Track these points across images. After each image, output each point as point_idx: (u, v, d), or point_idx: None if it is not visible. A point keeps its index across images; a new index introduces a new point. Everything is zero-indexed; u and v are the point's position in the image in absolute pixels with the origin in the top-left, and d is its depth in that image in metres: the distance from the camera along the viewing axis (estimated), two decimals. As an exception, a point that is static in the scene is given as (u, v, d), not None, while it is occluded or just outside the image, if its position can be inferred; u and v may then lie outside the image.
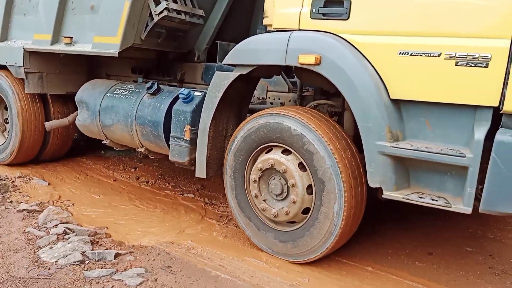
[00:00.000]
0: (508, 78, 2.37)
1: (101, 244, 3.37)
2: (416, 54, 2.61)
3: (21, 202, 4.17)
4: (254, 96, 4.20)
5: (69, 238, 3.37)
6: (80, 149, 6.32)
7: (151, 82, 4.10)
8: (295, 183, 3.04)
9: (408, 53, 2.63)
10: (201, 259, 3.21)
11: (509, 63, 2.36)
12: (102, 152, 6.28)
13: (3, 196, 4.30)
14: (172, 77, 4.80)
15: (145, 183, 5.11)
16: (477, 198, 2.54)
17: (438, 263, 3.38)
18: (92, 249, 3.22)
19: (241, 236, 3.65)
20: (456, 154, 2.51)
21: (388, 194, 2.73)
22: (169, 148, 3.85)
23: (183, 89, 3.83)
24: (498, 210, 2.45)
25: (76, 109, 4.87)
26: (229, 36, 4.57)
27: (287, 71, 3.96)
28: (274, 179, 3.21)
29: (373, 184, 2.77)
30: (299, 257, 3.15)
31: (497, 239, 3.90)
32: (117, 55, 4.00)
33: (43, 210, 3.91)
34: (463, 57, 2.47)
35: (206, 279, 2.91)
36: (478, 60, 2.43)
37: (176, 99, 3.89)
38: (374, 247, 3.58)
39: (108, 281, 2.79)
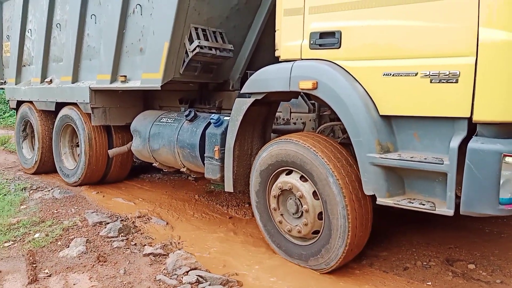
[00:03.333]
0: (475, 91, 2.62)
1: (235, 295, 3.23)
2: (397, 75, 2.93)
3: (145, 245, 4.10)
4: (279, 117, 4.66)
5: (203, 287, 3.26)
6: (191, 184, 6.49)
7: (189, 110, 4.72)
8: (308, 209, 3.42)
9: (390, 74, 2.97)
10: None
11: (475, 78, 2.62)
12: (212, 187, 6.30)
13: (127, 239, 4.25)
14: (212, 105, 5.39)
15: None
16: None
17: None
18: (228, 301, 3.07)
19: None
20: (435, 161, 2.77)
21: (381, 200, 3.03)
22: (204, 167, 4.41)
23: (214, 114, 4.39)
24: (475, 211, 2.67)
25: (135, 137, 5.63)
26: (259, 66, 5.03)
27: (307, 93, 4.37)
28: (291, 199, 3.61)
29: (367, 191, 3.08)
30: (319, 268, 3.46)
31: None
32: (160, 88, 4.67)
33: (168, 253, 3.85)
34: (436, 75, 2.76)
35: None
36: (449, 76, 2.71)
37: (209, 123, 4.46)
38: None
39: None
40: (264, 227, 3.89)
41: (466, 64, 2.65)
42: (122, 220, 4.70)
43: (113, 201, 5.66)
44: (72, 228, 4.52)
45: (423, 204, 2.88)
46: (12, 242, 4.20)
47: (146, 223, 4.74)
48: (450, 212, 2.74)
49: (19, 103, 7.71)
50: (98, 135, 6.08)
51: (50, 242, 4.16)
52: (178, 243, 4.20)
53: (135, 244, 4.13)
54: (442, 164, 2.74)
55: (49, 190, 6.09)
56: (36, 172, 7.29)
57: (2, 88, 8.43)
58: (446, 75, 2.72)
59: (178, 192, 6.04)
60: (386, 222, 4.52)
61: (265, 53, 5.25)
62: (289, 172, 3.58)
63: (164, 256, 3.81)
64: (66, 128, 6.58)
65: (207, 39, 4.58)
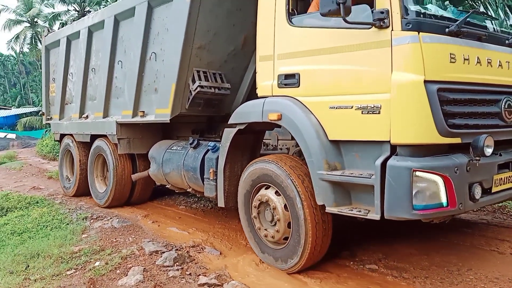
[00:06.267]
0: (391, 120, 3.32)
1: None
2: (339, 107, 3.67)
3: (200, 275, 4.12)
4: (269, 144, 5.44)
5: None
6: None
7: (193, 139, 5.60)
8: (280, 219, 4.13)
9: (334, 107, 3.71)
10: None
11: (390, 110, 3.32)
12: None
13: (182, 268, 4.30)
14: (217, 134, 6.25)
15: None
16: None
17: None
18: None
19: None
20: (366, 176, 3.46)
21: (329, 209, 3.71)
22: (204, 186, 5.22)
23: (211, 142, 5.23)
24: (395, 215, 3.31)
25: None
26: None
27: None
28: (266, 210, 4.33)
29: (318, 202, 3.77)
30: (288, 267, 4.12)
31: None
32: (169, 121, 5.60)
33: (222, 283, 3.92)
34: (365, 108, 3.48)
35: None
36: (374, 109, 3.42)
37: (208, 150, 5.29)
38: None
39: None
40: (248, 233, 4.60)
41: (385, 99, 3.36)
42: (177, 250, 4.79)
43: (168, 230, 5.86)
44: (130, 257, 4.66)
45: (360, 211, 3.54)
46: (74, 270, 4.44)
47: (200, 252, 4.82)
48: (377, 217, 3.39)
49: (62, 135, 8.93)
50: (124, 162, 7.06)
51: (110, 271, 4.31)
52: (231, 273, 4.26)
53: (190, 274, 4.18)
54: (370, 178, 3.41)
55: (108, 220, 6.37)
56: (74, 195, 8.37)
57: (49, 124, 9.73)
58: (372, 107, 3.44)
59: (231, 222, 6.08)
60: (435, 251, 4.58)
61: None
62: (267, 187, 4.30)
63: (218, 286, 3.89)
64: (99, 157, 7.63)
65: (207, 80, 5.49)
